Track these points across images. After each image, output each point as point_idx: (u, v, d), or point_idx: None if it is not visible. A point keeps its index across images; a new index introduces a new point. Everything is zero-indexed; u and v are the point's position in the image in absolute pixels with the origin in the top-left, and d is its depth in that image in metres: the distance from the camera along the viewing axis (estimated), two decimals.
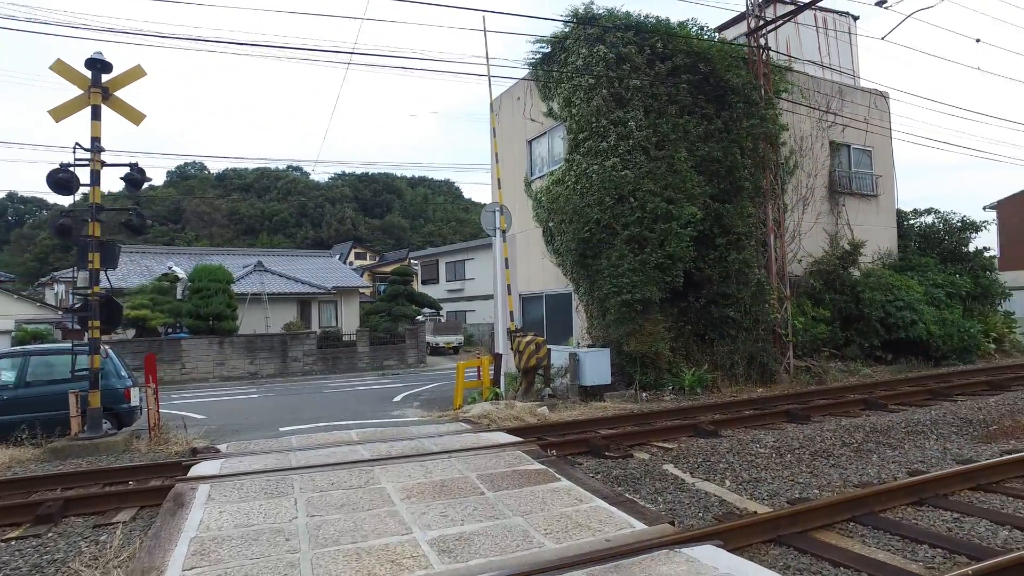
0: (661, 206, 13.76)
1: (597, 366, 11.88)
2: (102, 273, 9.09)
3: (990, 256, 21.07)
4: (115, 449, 9.11)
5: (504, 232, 14.02)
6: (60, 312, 40.56)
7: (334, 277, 32.55)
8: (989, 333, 17.83)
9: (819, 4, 19.02)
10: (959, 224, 20.54)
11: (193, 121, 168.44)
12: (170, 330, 24.86)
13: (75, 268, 9.37)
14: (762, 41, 15.32)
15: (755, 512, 5.58)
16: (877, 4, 12.93)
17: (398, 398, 15.98)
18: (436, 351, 31.96)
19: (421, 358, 28.17)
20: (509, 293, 13.91)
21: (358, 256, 67.21)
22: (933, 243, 20.16)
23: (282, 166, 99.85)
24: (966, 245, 20.43)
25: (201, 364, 24.10)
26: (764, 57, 15.34)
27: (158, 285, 25.60)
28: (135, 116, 9.37)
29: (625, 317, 13.04)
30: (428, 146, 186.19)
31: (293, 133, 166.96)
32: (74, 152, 8.78)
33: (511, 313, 13.79)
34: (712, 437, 8.39)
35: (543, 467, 6.64)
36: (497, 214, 13.98)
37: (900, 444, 8.01)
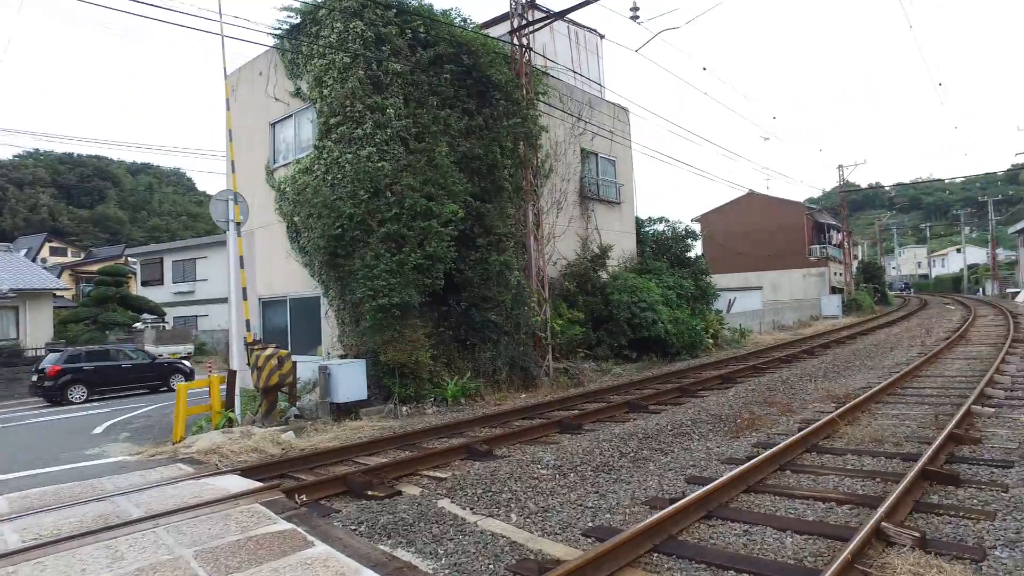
0: (421, 202, 12.74)
1: (351, 380, 10.42)
2: None
3: (705, 262, 23.87)
4: None
5: (239, 225, 11.82)
6: None
7: (15, 277, 25.97)
8: (708, 329, 20.01)
9: (570, 17, 19.76)
10: (683, 232, 22.91)
11: None
12: None
13: None
14: (525, 41, 15.16)
15: (555, 558, 4.73)
16: (632, 18, 13.44)
17: (100, 429, 12.69)
18: None
19: None
20: (246, 297, 11.76)
21: (55, 251, 55.93)
22: (664, 249, 22.16)
23: None
24: (688, 251, 22.83)
25: None
26: (527, 57, 15.20)
27: None
28: None
29: (382, 323, 11.75)
30: (155, 130, 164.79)
31: None
32: None
33: (248, 321, 11.65)
34: (488, 459, 7.52)
35: (290, 526, 5.08)
36: (230, 203, 11.72)
37: (670, 448, 7.93)
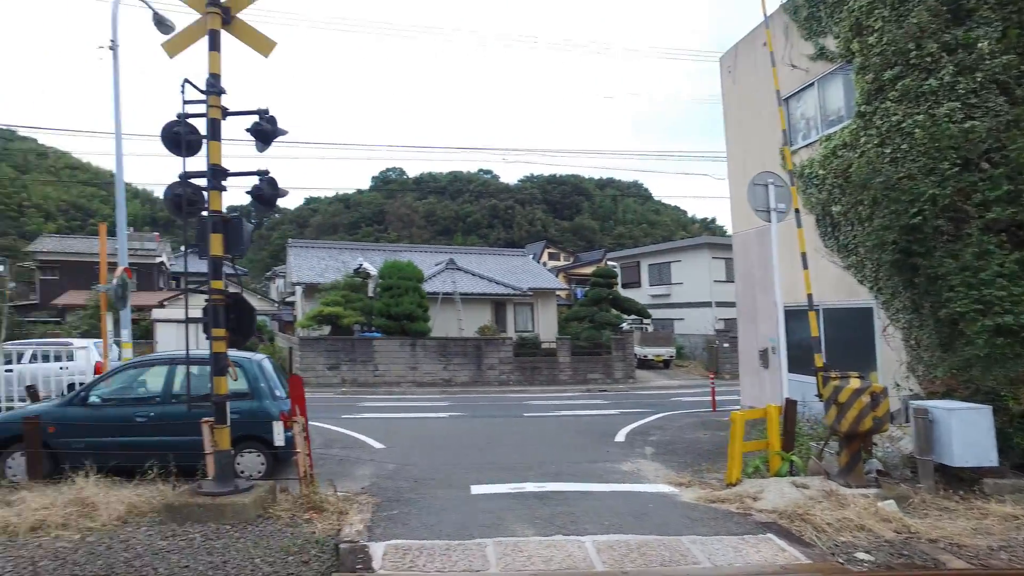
0: None
1: (970, 434, 7.09)
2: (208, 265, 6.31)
3: None
4: (243, 515, 6.32)
5: (781, 213, 9.68)
6: (276, 305, 42.76)
7: (529, 277, 29.74)
8: None
9: None
10: None
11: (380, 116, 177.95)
12: (365, 329, 23.58)
13: (193, 252, 6.54)
14: None
15: None
16: None
17: (620, 436, 12.19)
18: (644, 364, 27.76)
19: (629, 372, 24.28)
20: (812, 306, 9.58)
21: (551, 256, 64.87)
22: None
23: (473, 168, 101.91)
24: None
25: (394, 367, 22.48)
26: None
27: (350, 281, 24.54)
28: (263, 45, 6.56)
29: (1002, 352, 8.00)
30: (618, 142, 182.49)
31: (485, 131, 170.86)
32: (182, 92, 6.08)
33: (817, 339, 9.38)
34: None
35: None
36: (772, 188, 9.69)
37: None
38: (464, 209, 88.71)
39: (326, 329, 23.25)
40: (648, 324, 32.77)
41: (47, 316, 31.73)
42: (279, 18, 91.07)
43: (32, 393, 9.20)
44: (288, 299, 38.85)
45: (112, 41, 12.25)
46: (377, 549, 5.24)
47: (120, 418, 8.16)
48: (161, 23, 13.07)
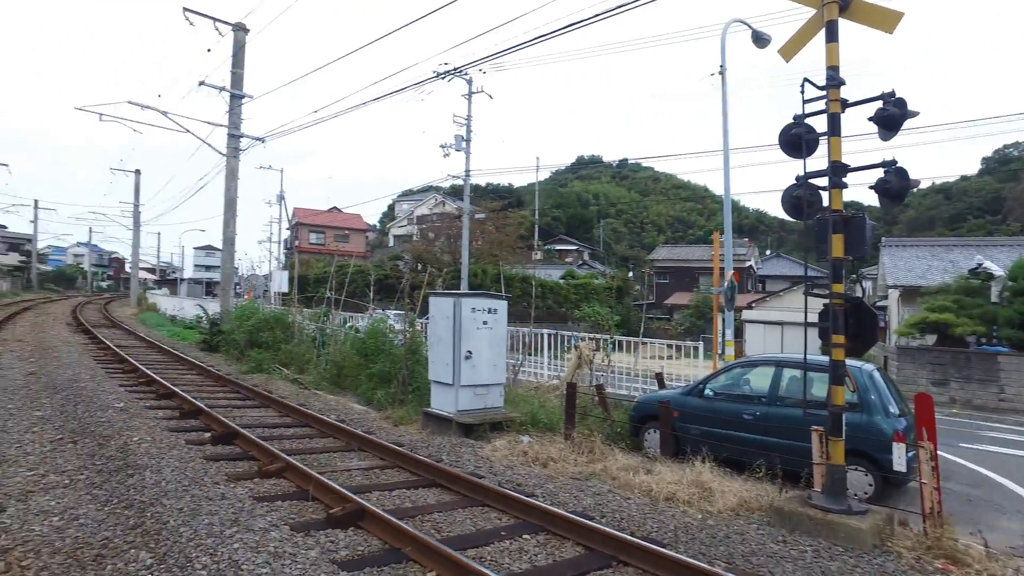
0: None
1: None
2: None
3: None
4: (856, 541, 5.83)
5: None
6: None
7: None
8: None
9: None
10: None
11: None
12: (982, 340, 19.61)
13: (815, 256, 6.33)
14: None
15: None
16: None
17: None
18: None
19: None
20: None
21: None
22: None
23: None
24: None
25: None
26: None
27: (965, 284, 20.71)
28: (888, 20, 5.75)
29: None
30: None
31: None
32: (802, 92, 5.88)
33: None
34: None
35: None
36: None
37: None
38: None
39: (929, 339, 20.24)
40: None
41: (660, 314, 37.54)
42: None
43: (660, 380, 10.75)
44: (878, 303, 35.78)
45: (721, 66, 13.34)
46: None
47: (730, 413, 8.69)
48: (759, 39, 13.65)
